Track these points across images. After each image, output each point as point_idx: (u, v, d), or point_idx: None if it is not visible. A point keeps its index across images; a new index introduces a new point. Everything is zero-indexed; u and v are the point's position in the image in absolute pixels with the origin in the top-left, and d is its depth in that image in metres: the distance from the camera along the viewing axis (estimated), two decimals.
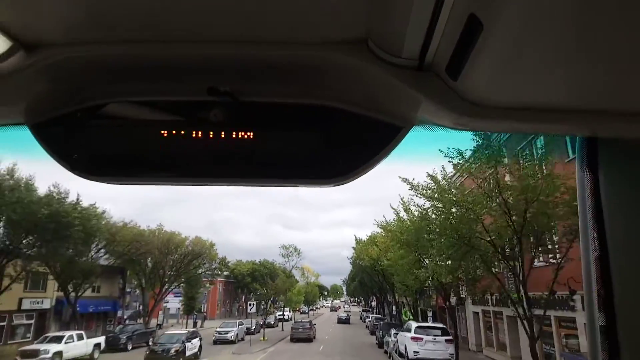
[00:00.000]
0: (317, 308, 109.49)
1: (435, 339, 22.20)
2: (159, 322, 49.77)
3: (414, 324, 24.72)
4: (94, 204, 33.40)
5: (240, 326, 39.61)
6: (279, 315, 58.79)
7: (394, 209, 26.40)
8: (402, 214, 25.34)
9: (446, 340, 22.56)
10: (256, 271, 79.86)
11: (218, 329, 37.74)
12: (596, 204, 1.16)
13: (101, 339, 29.76)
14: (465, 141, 14.83)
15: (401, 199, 26.32)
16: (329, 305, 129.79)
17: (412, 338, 22.50)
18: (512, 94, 0.93)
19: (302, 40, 0.92)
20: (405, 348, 22.77)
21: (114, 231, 37.78)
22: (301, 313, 78.47)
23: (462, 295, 29.32)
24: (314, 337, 37.74)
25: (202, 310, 70.96)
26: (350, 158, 1.12)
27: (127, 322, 44.01)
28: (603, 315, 1.10)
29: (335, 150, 1.12)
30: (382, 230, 34.59)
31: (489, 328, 28.10)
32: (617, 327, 1.08)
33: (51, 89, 1.09)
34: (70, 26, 0.88)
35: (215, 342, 34.62)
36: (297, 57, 0.97)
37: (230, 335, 36.23)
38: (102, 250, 38.08)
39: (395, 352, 25.43)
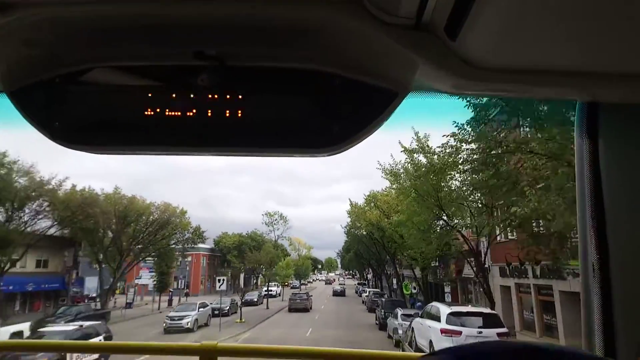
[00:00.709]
0: (310, 282, 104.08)
1: (481, 332, 13.79)
2: (128, 301, 43.08)
3: (443, 308, 15.90)
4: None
5: (202, 309, 30.52)
6: (264, 291, 52.22)
7: (405, 147, 19.30)
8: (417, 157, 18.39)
9: (499, 335, 14.15)
10: (243, 244, 73.55)
11: (171, 314, 29.14)
12: (594, 172, 1.14)
13: (23, 326, 22.83)
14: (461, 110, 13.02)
15: (415, 134, 19.21)
16: (324, 278, 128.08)
17: (443, 331, 14.31)
18: (511, 55, 0.90)
19: None
20: (431, 344, 14.68)
21: (52, 194, 30.37)
22: (291, 288, 72.27)
23: (486, 265, 22.85)
24: (311, 308, 39.61)
25: (182, 287, 64.77)
26: (344, 126, 1.07)
27: (86, 301, 37.32)
28: (598, 283, 1.11)
29: (328, 117, 1.08)
30: (385, 187, 27.40)
31: (527, 307, 21.62)
32: (612, 295, 1.09)
33: (29, 54, 1.03)
34: None
35: (167, 331, 26.57)
36: (289, 17, 0.92)
37: (186, 322, 27.57)
38: (45, 217, 30.76)
39: (409, 344, 17.39)
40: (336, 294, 63.24)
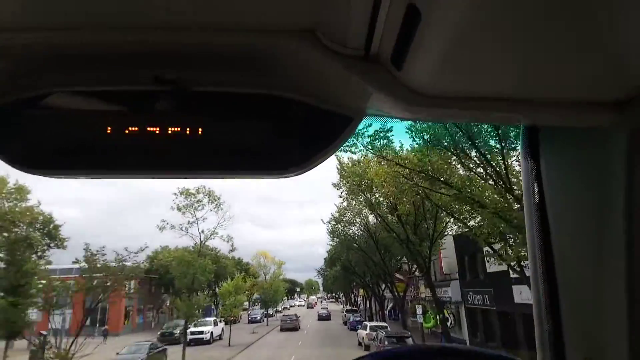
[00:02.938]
0: (285, 309, 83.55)
1: None
2: None
3: None
4: None
5: None
6: (192, 332, 33.63)
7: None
8: None
9: None
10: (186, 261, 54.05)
11: None
12: (539, 193, 1.21)
13: None
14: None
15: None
16: (303, 303, 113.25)
17: None
18: (454, 83, 0.95)
19: (251, 27, 0.91)
20: None
21: None
22: (250, 322, 52.75)
23: None
24: (299, 328, 43.14)
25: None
26: (302, 149, 1.10)
27: None
28: (547, 296, 1.17)
29: (287, 140, 1.11)
30: None
31: None
32: (560, 306, 1.15)
33: None
34: (1, 11, 0.85)
35: None
36: (246, 45, 0.96)
37: None
38: None
39: None
40: (321, 318, 58.04)
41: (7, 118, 1.06)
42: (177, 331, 34.09)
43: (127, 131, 1.04)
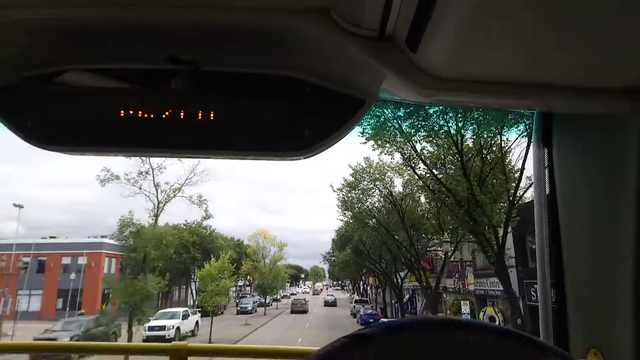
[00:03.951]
0: (287, 296, 76.92)
1: None
2: None
3: None
4: None
5: None
6: (151, 327, 26.12)
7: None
8: None
9: None
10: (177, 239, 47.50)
11: None
12: (550, 178, 1.21)
13: None
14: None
15: None
16: (308, 289, 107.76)
17: None
18: (469, 67, 0.95)
19: (266, 7, 0.92)
20: None
21: None
22: (239, 312, 44.58)
23: None
24: (307, 311, 47.34)
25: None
26: (314, 131, 1.09)
27: None
28: (554, 284, 1.18)
29: (299, 122, 1.10)
30: None
31: None
32: (566, 295, 1.15)
33: (3, 55, 1.06)
34: None
35: None
36: (260, 25, 0.96)
37: None
38: None
39: None
40: (327, 304, 59.56)
41: (23, 95, 1.08)
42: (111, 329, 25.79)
43: (139, 110, 1.05)
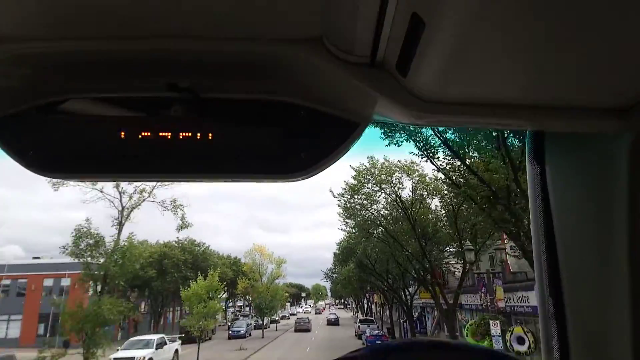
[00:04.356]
0: (287, 317, 73.11)
1: None
2: None
3: None
4: None
5: None
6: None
7: None
8: None
9: None
10: (167, 257, 44.41)
11: None
12: (544, 197, 1.23)
13: None
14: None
15: None
16: (310, 309, 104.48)
17: None
18: (459, 89, 0.97)
19: (260, 37, 0.95)
20: None
21: None
22: (232, 337, 40.10)
23: None
24: (311, 329, 49.14)
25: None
26: (310, 153, 1.12)
27: None
28: (552, 302, 1.20)
29: (295, 145, 1.14)
30: None
31: None
32: (565, 311, 1.17)
33: (4, 86, 1.10)
34: (22, 21, 0.90)
35: None
36: (256, 54, 1.00)
37: None
38: None
39: None
40: (330, 323, 60.65)
41: (25, 123, 1.11)
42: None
43: (140, 136, 1.07)
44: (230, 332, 42.50)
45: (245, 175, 1.14)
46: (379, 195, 21.67)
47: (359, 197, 22.02)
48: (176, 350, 26.38)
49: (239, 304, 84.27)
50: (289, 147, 1.13)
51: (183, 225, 29.56)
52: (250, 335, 42.37)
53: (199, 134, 1.08)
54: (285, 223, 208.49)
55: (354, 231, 26.19)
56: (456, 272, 30.53)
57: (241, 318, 50.10)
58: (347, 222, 24.58)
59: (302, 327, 50.09)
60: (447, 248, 23.14)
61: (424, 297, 34.51)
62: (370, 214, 23.18)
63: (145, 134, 1.08)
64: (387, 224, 22.69)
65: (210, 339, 37.71)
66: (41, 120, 1.11)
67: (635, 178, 1.00)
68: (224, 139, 1.10)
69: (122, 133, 1.08)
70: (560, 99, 0.98)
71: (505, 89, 0.96)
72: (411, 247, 21.82)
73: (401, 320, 39.50)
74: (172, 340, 26.99)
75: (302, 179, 1.14)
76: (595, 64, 0.83)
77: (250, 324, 45.36)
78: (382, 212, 23.25)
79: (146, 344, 24.29)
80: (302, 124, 1.13)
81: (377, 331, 36.87)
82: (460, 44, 0.77)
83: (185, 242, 48.93)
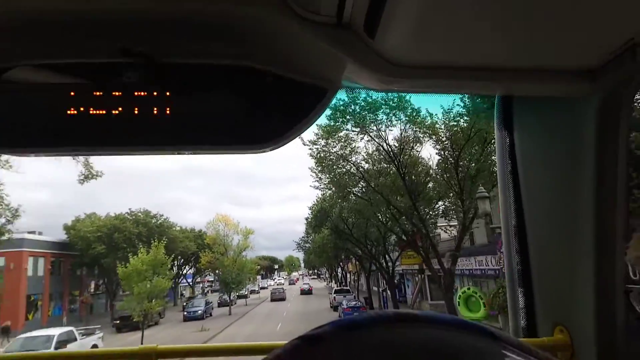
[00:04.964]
0: (257, 291, 69.57)
1: None
2: None
3: None
4: None
5: None
6: None
7: None
8: None
9: None
10: (118, 231, 39.37)
11: None
12: (512, 161, 1.25)
13: None
14: None
15: None
16: (283, 280, 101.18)
17: None
18: (428, 53, 0.94)
19: None
20: None
21: None
22: (187, 319, 33.98)
23: None
24: (285, 298, 51.94)
25: None
26: (277, 122, 1.07)
27: None
28: (519, 264, 1.23)
29: (260, 114, 1.08)
30: None
31: None
32: (532, 274, 1.22)
33: None
34: None
35: None
36: (217, 14, 0.93)
37: None
38: None
39: None
40: (304, 292, 61.03)
41: None
42: None
43: (92, 106, 1.00)
44: (185, 313, 36.04)
45: (209, 147, 1.06)
46: (361, 140, 17.64)
47: (335, 144, 17.93)
48: (93, 346, 19.35)
49: (210, 279, 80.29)
50: (255, 116, 1.05)
51: (89, 175, 20.26)
52: (210, 315, 37.39)
53: (155, 103, 1.00)
54: (256, 197, 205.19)
55: (328, 190, 22.16)
56: (442, 235, 27.55)
57: (197, 297, 45.28)
58: (320, 178, 20.56)
59: (278, 297, 53.31)
60: (436, 206, 19.69)
61: (406, 263, 31.56)
62: (349, 166, 19.28)
63: (96, 103, 0.99)
64: (370, 178, 18.88)
65: (157, 323, 31.92)
66: None
67: (603, 139, 1.00)
68: (184, 108, 1.02)
69: (71, 103, 0.99)
70: (529, 61, 0.96)
71: (474, 53, 0.93)
72: (398, 204, 18.17)
73: (380, 289, 36.69)
74: (88, 333, 20.64)
75: (271, 150, 1.07)
76: (564, 25, 0.82)
77: (211, 302, 40.09)
78: (362, 165, 19.40)
79: (45, 341, 17.77)
80: (267, 92, 1.05)
81: (354, 302, 33.76)
82: (428, 5, 0.75)
83: (139, 214, 43.89)
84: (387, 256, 29.28)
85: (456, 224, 21.39)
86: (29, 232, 40.08)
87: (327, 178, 20.27)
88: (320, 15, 0.89)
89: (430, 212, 19.25)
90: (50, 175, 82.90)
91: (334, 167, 19.11)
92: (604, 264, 1.03)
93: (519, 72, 0.99)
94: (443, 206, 19.90)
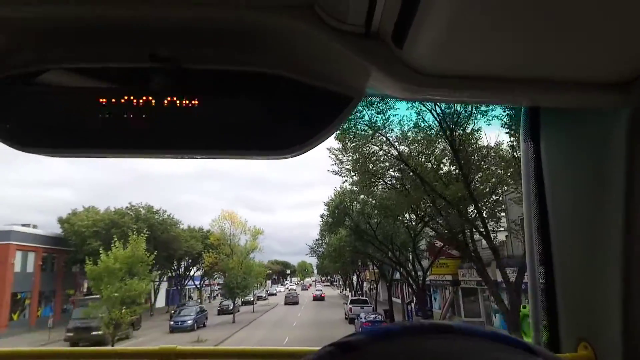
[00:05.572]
0: (264, 297, 65.10)
1: None
2: None
3: None
4: None
5: None
6: None
7: None
8: None
9: None
10: (116, 226, 35.89)
11: None
12: (537, 173, 1.24)
13: None
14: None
15: None
16: (294, 285, 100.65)
17: None
18: (456, 63, 0.94)
19: (249, 4, 0.92)
20: None
21: None
22: (174, 330, 28.69)
23: None
24: (298, 302, 55.48)
25: None
26: (300, 129, 1.08)
27: None
28: (543, 277, 1.22)
29: (284, 120, 1.09)
30: None
31: None
32: (556, 287, 1.19)
33: None
34: None
35: None
36: (243, 21, 0.95)
37: None
38: None
39: None
40: (316, 298, 63.08)
41: (1, 95, 1.04)
42: None
43: (121, 109, 1.02)
44: (171, 323, 30.19)
45: (232, 152, 1.08)
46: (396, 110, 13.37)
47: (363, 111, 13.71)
48: None
49: (220, 282, 76.92)
50: (278, 123, 1.07)
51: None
52: (204, 325, 32.02)
53: (181, 107, 1.01)
54: (270, 202, 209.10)
55: (350, 176, 17.71)
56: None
57: (190, 302, 40.62)
58: (341, 161, 16.33)
59: (291, 301, 56.53)
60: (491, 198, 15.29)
61: (437, 272, 27.11)
62: (379, 146, 15.02)
63: (125, 107, 1.01)
64: (409, 159, 14.57)
65: (127, 337, 24.24)
66: (17, 91, 1.03)
67: (633, 154, 0.98)
68: (209, 113, 1.03)
69: (101, 105, 1.01)
70: (556, 73, 0.94)
71: (503, 63, 0.92)
72: (447, 192, 13.80)
73: (404, 302, 32.20)
74: None
75: (292, 157, 1.08)
76: (595, 37, 0.81)
77: (205, 311, 34.52)
78: (395, 144, 15.13)
79: None
80: (292, 98, 1.06)
81: (373, 315, 29.43)
82: (458, 16, 0.75)
83: (140, 209, 40.49)
84: (416, 263, 24.83)
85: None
86: (23, 225, 37.18)
87: (350, 161, 16.03)
88: (348, 25, 0.89)
89: (485, 206, 14.80)
90: (72, 176, 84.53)
91: (360, 142, 14.89)
92: (632, 279, 0.99)
93: (545, 83, 0.96)
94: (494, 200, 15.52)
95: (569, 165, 1.16)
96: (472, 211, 14.23)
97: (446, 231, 15.77)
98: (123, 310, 17.10)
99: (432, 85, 0.97)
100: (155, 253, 36.05)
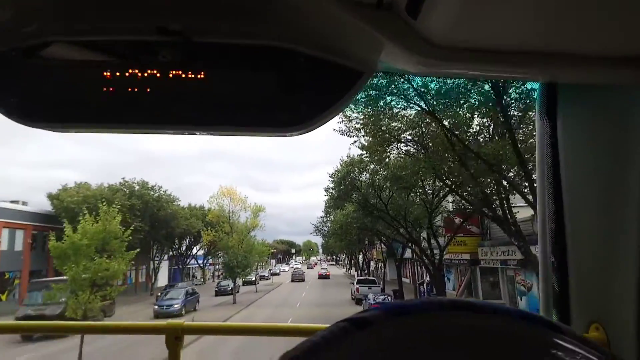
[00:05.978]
0: (266, 277, 63.44)
1: None
2: None
3: None
4: None
5: None
6: None
7: None
8: None
9: None
10: (108, 203, 33.89)
11: None
12: (553, 152, 1.20)
13: None
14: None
15: None
16: (300, 265, 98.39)
17: None
18: (471, 35, 0.92)
19: None
20: None
21: None
22: (158, 315, 25.27)
23: None
24: (304, 280, 57.34)
25: None
26: (310, 105, 1.06)
27: None
28: (555, 258, 1.20)
29: (294, 96, 1.07)
30: None
31: None
32: (568, 269, 1.16)
33: None
34: None
35: None
36: None
37: None
38: None
39: None
40: (322, 277, 63.18)
41: (4, 68, 1.03)
42: None
43: (127, 84, 1.01)
44: (156, 307, 27.05)
45: (241, 129, 1.05)
46: None
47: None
48: None
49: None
50: (287, 98, 1.05)
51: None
52: (194, 309, 29.13)
53: (189, 82, 1.00)
54: (275, 182, 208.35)
55: (360, 136, 15.07)
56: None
57: (178, 285, 37.99)
58: (349, 118, 13.70)
59: (298, 278, 59.35)
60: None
61: (453, 251, 24.78)
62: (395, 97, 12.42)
63: (132, 81, 0.99)
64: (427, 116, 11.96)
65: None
66: (22, 65, 1.01)
67: None
68: (217, 88, 1.02)
69: (108, 79, 0.99)
70: (576, 47, 0.91)
71: (518, 36, 0.89)
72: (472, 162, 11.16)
73: (416, 282, 30.06)
74: None
75: (301, 134, 1.06)
76: (614, 9, 0.78)
77: (196, 293, 31.51)
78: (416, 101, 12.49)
79: None
80: (302, 73, 1.04)
81: (382, 296, 27.38)
82: None
83: (134, 185, 38.29)
84: (432, 240, 22.45)
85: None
86: (12, 202, 35.25)
87: (361, 119, 13.42)
88: None
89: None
90: (74, 155, 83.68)
91: (372, 96, 12.26)
92: None
93: (564, 58, 0.93)
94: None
95: (588, 143, 1.12)
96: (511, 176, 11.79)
97: (479, 198, 13.20)
98: (94, 296, 14.73)
99: (446, 59, 0.93)
100: (147, 229, 34.23)
